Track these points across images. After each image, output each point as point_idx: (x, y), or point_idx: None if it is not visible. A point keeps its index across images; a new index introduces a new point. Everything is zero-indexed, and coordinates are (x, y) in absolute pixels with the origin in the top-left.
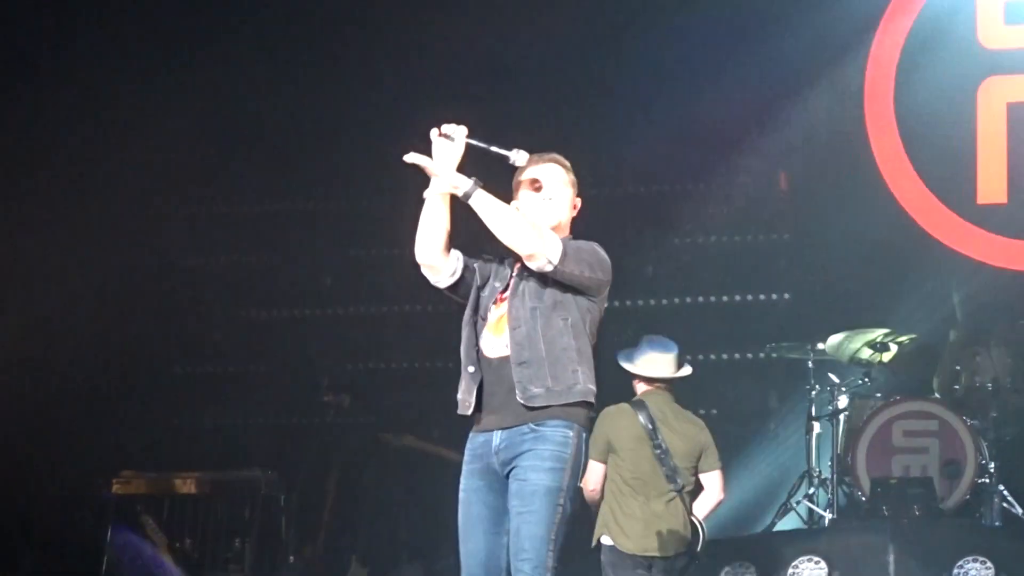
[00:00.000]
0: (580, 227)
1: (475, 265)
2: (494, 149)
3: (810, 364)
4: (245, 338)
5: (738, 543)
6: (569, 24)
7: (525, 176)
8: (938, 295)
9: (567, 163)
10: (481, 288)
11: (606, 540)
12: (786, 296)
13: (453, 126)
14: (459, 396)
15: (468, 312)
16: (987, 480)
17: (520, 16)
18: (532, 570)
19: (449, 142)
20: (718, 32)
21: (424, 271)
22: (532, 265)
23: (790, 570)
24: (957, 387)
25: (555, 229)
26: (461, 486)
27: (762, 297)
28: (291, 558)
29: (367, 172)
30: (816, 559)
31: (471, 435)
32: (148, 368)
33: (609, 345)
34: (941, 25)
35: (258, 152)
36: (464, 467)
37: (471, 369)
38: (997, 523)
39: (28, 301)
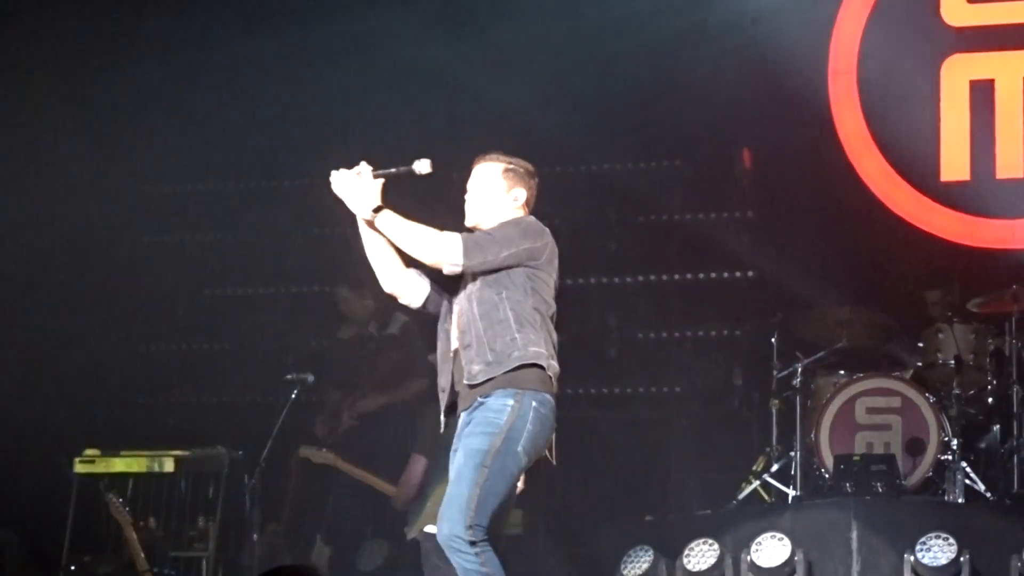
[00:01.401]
0: (542, 205)
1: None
2: (395, 170)
3: (773, 341)
4: (209, 316)
5: (701, 520)
6: None
7: None
8: (900, 272)
9: (504, 157)
10: (451, 300)
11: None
12: (749, 274)
13: (355, 169)
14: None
15: (440, 323)
16: (950, 457)
17: None
18: (449, 529)
19: (354, 176)
20: (677, 4)
21: (394, 296)
22: (445, 271)
23: (753, 547)
24: (920, 364)
25: (478, 226)
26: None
27: (725, 275)
28: (255, 536)
29: (330, 150)
30: (779, 536)
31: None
32: (112, 346)
33: (575, 321)
34: (904, 2)
35: (220, 129)
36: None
37: (444, 388)
38: (960, 500)
39: None
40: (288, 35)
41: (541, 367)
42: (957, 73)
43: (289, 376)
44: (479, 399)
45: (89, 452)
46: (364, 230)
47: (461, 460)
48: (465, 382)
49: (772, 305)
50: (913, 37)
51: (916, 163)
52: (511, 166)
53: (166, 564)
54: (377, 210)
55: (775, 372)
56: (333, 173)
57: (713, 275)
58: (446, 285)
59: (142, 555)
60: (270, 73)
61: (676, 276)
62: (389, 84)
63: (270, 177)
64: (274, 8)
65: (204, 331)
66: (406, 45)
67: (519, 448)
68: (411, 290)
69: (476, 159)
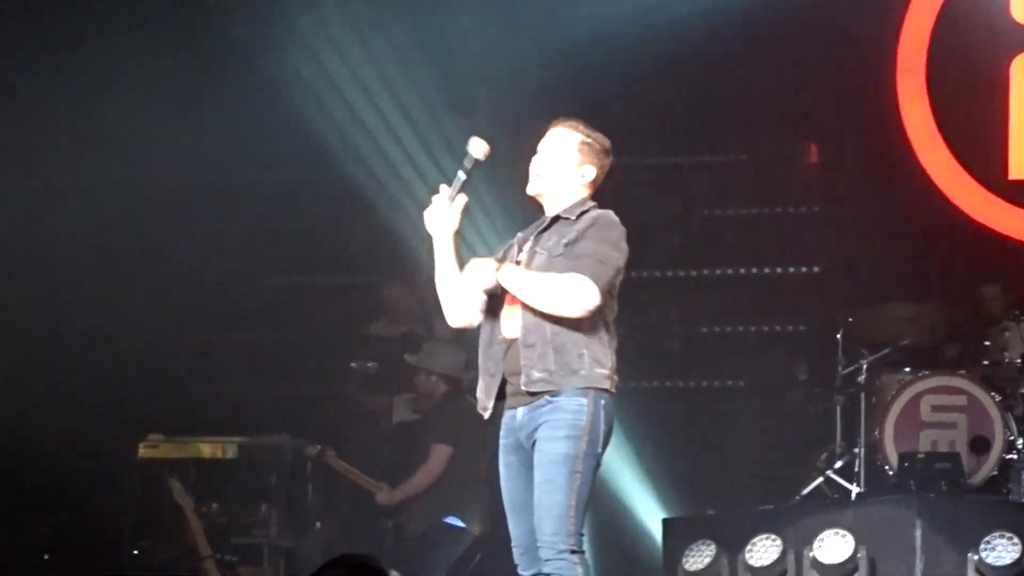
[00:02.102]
0: (608, 198)
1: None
2: (463, 175)
3: (838, 337)
4: (274, 304)
5: (764, 515)
6: None
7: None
8: (967, 269)
9: (584, 128)
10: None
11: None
12: (815, 269)
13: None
14: (478, 395)
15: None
16: (1015, 456)
17: None
18: (552, 536)
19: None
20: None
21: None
22: (576, 316)
23: (816, 543)
24: (986, 362)
25: (539, 195)
26: (500, 461)
27: (791, 270)
28: (317, 524)
29: (394, 143)
30: (842, 532)
31: (505, 410)
32: (177, 333)
33: (637, 315)
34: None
35: (288, 120)
36: (500, 441)
37: (492, 373)
38: None
39: (57, 264)
40: (336, 23)
41: (602, 390)
42: None
43: (353, 364)
44: (548, 398)
45: (153, 437)
46: (441, 266)
47: (549, 466)
48: (522, 385)
49: (837, 301)
50: (983, 34)
51: (983, 160)
52: (588, 139)
53: (227, 550)
54: (498, 267)
55: (840, 368)
56: (427, 217)
57: (778, 270)
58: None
59: (204, 540)
60: (325, 61)
61: (741, 270)
62: (441, 70)
63: (328, 167)
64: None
65: (270, 319)
66: (457, 30)
67: (599, 450)
68: (475, 318)
69: (554, 121)
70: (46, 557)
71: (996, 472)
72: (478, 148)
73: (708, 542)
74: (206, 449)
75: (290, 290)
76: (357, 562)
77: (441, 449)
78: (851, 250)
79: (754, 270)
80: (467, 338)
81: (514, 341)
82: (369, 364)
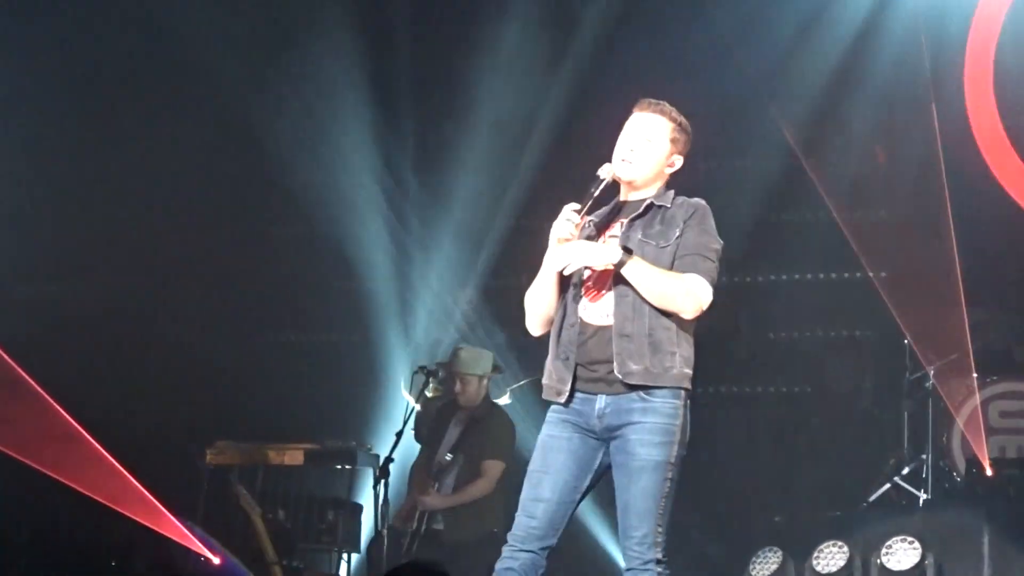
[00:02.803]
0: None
1: None
2: (591, 194)
3: (906, 342)
4: (342, 308)
5: (832, 522)
6: None
7: (629, 118)
8: None
9: (677, 116)
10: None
11: None
12: (883, 274)
13: (566, 228)
14: (547, 382)
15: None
16: None
17: None
18: (640, 545)
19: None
20: (817, 5)
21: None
22: (690, 316)
23: (883, 549)
24: None
25: (631, 183)
26: (545, 432)
27: (858, 275)
28: (384, 531)
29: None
30: (910, 539)
31: (576, 392)
32: (243, 337)
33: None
34: None
35: (363, 124)
36: (554, 415)
37: (565, 358)
38: None
39: (125, 269)
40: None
41: (687, 389)
42: None
43: (421, 366)
44: (641, 394)
45: (220, 443)
46: (548, 275)
47: (644, 472)
48: (617, 373)
49: (905, 306)
50: None
51: None
52: (681, 129)
53: (294, 556)
54: (627, 253)
55: (908, 374)
56: (554, 226)
57: (846, 275)
58: None
59: (271, 547)
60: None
61: (808, 275)
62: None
63: (399, 172)
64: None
65: (337, 323)
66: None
67: (685, 452)
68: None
69: (645, 103)
70: (113, 563)
71: None
72: (607, 171)
73: (775, 548)
74: (273, 455)
75: (354, 294)
76: (423, 569)
77: (495, 465)
78: (919, 255)
79: (821, 275)
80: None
81: (600, 328)
82: (436, 368)
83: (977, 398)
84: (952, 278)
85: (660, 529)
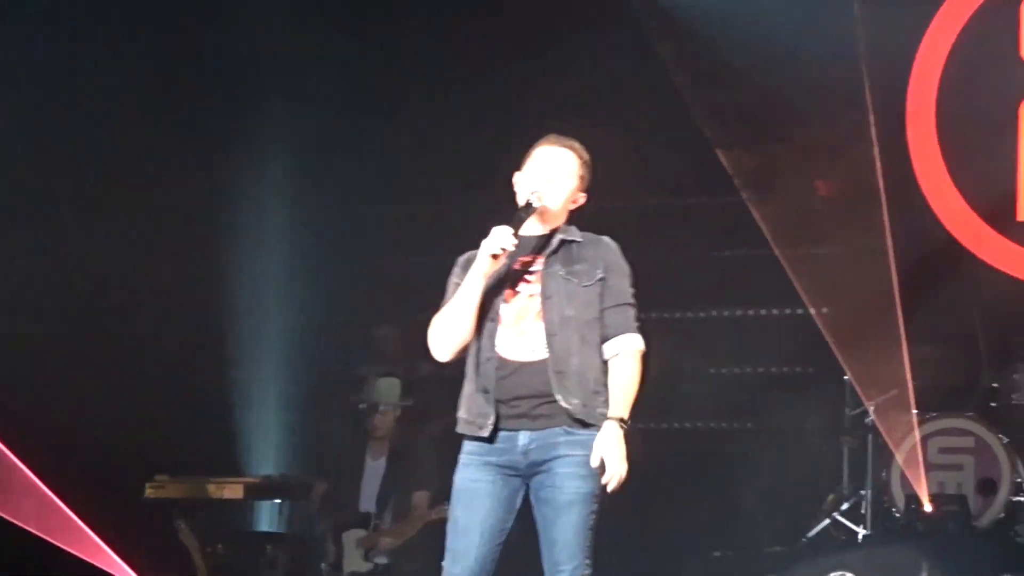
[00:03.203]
0: (618, 239)
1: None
2: (523, 218)
3: (846, 379)
4: (281, 344)
5: (771, 557)
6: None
7: (537, 151)
8: (977, 312)
9: (584, 154)
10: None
11: None
12: (824, 310)
13: (499, 243)
14: (467, 416)
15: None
16: (1022, 498)
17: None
18: None
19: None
20: (753, 40)
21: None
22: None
23: None
24: (994, 404)
25: (544, 214)
26: (466, 476)
27: (800, 311)
28: (323, 566)
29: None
30: (849, 575)
31: (477, 432)
32: (183, 372)
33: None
34: (984, 42)
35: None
36: (471, 458)
37: (486, 391)
38: None
39: (65, 301)
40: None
41: None
42: None
43: (362, 405)
44: (565, 428)
45: (159, 478)
46: (469, 306)
47: (572, 506)
48: (564, 406)
49: (846, 343)
50: (993, 77)
51: (993, 203)
52: (586, 166)
53: None
54: (623, 423)
55: (847, 409)
56: (485, 247)
57: (787, 311)
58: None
59: None
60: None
61: (750, 312)
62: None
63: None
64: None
65: (280, 360)
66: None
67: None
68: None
69: (553, 138)
70: None
71: (1003, 514)
72: (535, 197)
73: None
74: (213, 489)
75: (298, 330)
76: None
77: (423, 496)
78: (860, 291)
79: (763, 311)
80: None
81: (524, 364)
82: (363, 402)
83: (917, 434)
84: (892, 314)
85: (588, 562)
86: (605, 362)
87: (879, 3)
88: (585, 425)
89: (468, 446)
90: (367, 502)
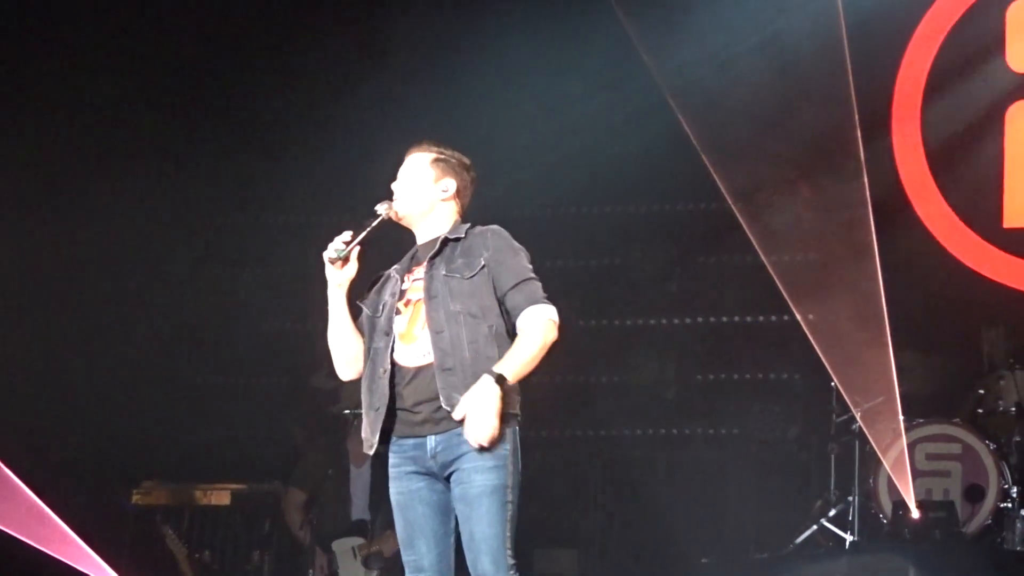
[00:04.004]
0: (604, 245)
1: (365, 317)
2: (368, 225)
3: (832, 385)
4: (268, 350)
5: (758, 564)
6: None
7: None
8: (962, 318)
9: (434, 146)
10: (376, 316)
11: None
12: (810, 316)
13: (334, 246)
14: (363, 435)
15: (367, 344)
16: (1009, 504)
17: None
18: (496, 571)
19: (340, 261)
20: (741, 46)
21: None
22: None
23: None
24: (980, 410)
25: (405, 218)
26: (394, 490)
27: (785, 317)
28: (310, 572)
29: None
30: None
31: (394, 439)
32: (170, 379)
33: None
34: (969, 48)
35: (289, 164)
36: (394, 470)
37: (377, 407)
38: (1019, 547)
39: (54, 306)
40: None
41: (515, 414)
42: (1022, 119)
43: (346, 411)
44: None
45: (146, 484)
46: (336, 318)
47: (480, 499)
48: (445, 407)
49: (833, 349)
50: (978, 82)
51: (979, 209)
52: (442, 156)
53: None
54: (500, 380)
55: (834, 416)
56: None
57: (773, 318)
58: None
59: None
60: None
61: (736, 318)
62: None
63: (323, 211)
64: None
65: (262, 365)
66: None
67: (519, 478)
68: (361, 365)
69: (408, 150)
70: None
71: (990, 521)
72: (383, 207)
73: None
74: (199, 495)
75: (285, 335)
76: None
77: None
78: (847, 298)
79: (748, 318)
80: None
81: (419, 369)
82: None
83: (904, 441)
84: (879, 321)
85: (510, 552)
86: (504, 348)
87: (864, 10)
88: None
89: (391, 459)
90: (359, 510)
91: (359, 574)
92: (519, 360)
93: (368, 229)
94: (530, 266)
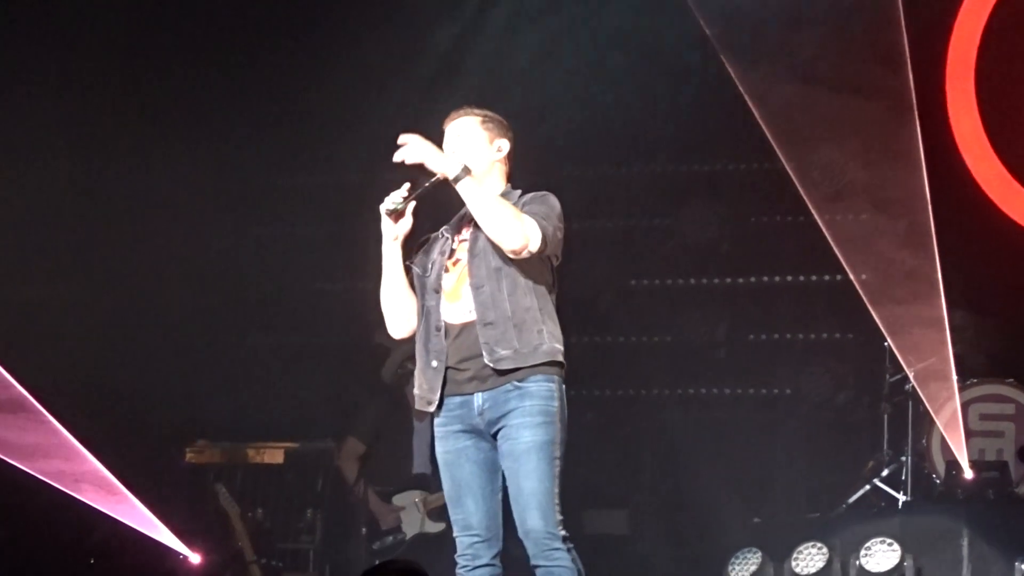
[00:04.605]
0: (655, 205)
1: (416, 277)
2: (425, 182)
3: (886, 345)
4: (319, 310)
5: (810, 523)
6: None
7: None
8: (1015, 278)
9: (479, 109)
10: (426, 275)
11: None
12: (863, 277)
13: (391, 199)
14: (418, 392)
15: (420, 303)
16: None
17: None
18: (545, 526)
19: (395, 214)
20: (792, 8)
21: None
22: (513, 255)
23: (862, 552)
24: None
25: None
26: (441, 449)
27: (838, 277)
28: (363, 529)
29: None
30: (889, 541)
31: (448, 397)
32: (222, 338)
33: (684, 322)
34: None
35: (333, 122)
36: (441, 430)
37: (435, 364)
38: None
39: (108, 270)
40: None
41: (561, 363)
42: None
43: (409, 365)
44: (515, 383)
45: (200, 442)
46: (389, 273)
47: (529, 455)
48: (488, 363)
49: (886, 309)
50: None
51: None
52: (488, 116)
53: (273, 555)
54: (466, 170)
55: (887, 376)
56: (404, 139)
57: (826, 277)
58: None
59: (250, 546)
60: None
61: (788, 278)
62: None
63: (374, 170)
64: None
65: (315, 324)
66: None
67: (566, 434)
68: (415, 323)
69: (448, 117)
70: (92, 562)
71: None
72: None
73: (754, 550)
74: (252, 454)
75: (337, 294)
76: (402, 568)
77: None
78: (900, 258)
79: (801, 278)
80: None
81: (464, 325)
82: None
83: (957, 401)
84: (932, 281)
85: (558, 507)
86: (546, 301)
87: None
88: (533, 373)
89: (437, 419)
90: (420, 464)
91: (423, 527)
92: (488, 195)
93: (427, 185)
94: (557, 214)
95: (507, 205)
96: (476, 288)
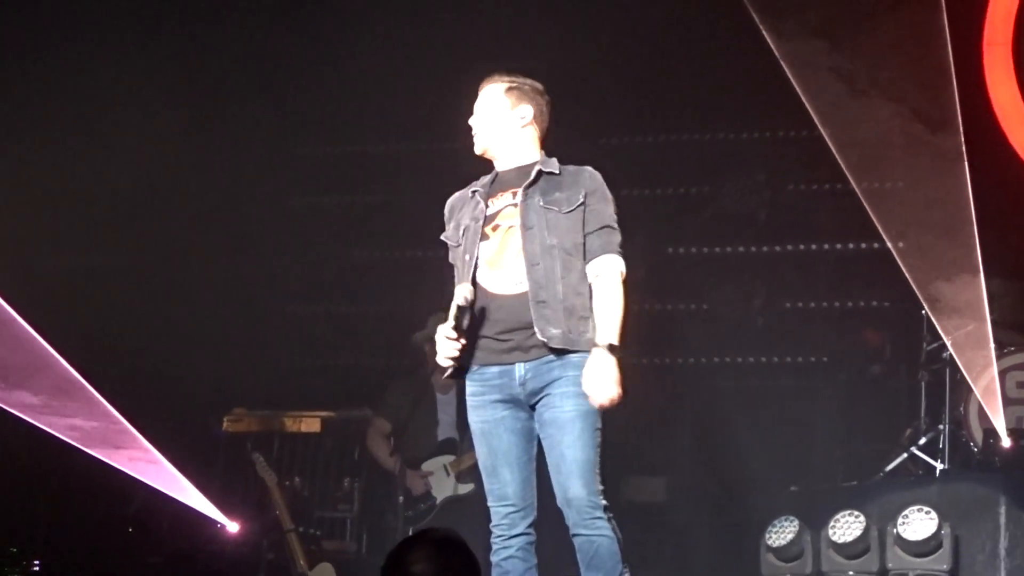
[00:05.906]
0: (695, 173)
1: (451, 250)
2: (458, 314)
3: (924, 312)
4: (360, 277)
5: (847, 492)
6: None
7: None
8: None
9: (504, 75)
10: (457, 244)
11: None
12: (900, 244)
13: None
14: (445, 357)
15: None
16: None
17: None
18: (588, 495)
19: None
20: None
21: None
22: None
23: (900, 520)
24: None
25: (486, 150)
26: (476, 418)
27: (876, 245)
28: (401, 498)
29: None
30: (927, 510)
31: (476, 368)
32: (259, 307)
33: (721, 290)
34: None
35: (368, 93)
36: (476, 399)
37: (470, 332)
38: None
39: (145, 239)
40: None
41: None
42: None
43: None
44: (559, 356)
45: (237, 411)
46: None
47: (572, 423)
48: (541, 339)
49: (922, 277)
50: None
51: None
52: (514, 83)
53: (311, 524)
54: (612, 348)
55: (925, 344)
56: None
57: (863, 245)
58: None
59: (287, 514)
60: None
61: (825, 246)
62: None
63: (421, 140)
64: None
65: (352, 292)
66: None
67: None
68: None
69: (481, 84)
70: (130, 530)
71: None
72: (467, 290)
73: (791, 518)
74: (289, 423)
75: (376, 263)
76: (440, 537)
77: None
78: (937, 225)
79: (838, 245)
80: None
81: (511, 297)
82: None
83: (995, 368)
84: (970, 249)
85: (599, 477)
86: (590, 292)
87: None
88: (575, 348)
89: (471, 387)
90: (446, 430)
91: (453, 490)
92: (616, 321)
93: (459, 321)
94: (616, 216)
95: (619, 299)
96: (531, 264)
